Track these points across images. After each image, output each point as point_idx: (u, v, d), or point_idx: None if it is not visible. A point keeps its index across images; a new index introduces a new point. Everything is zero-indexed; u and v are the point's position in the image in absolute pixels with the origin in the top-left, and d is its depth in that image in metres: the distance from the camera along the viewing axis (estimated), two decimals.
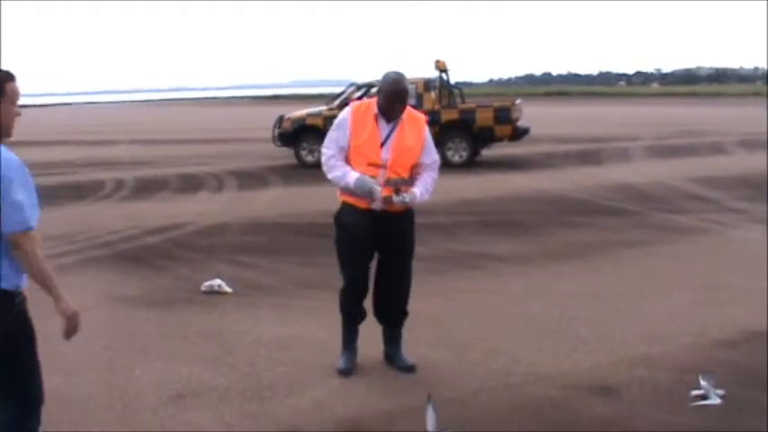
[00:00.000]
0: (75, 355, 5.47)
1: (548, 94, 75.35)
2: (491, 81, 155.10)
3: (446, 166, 16.83)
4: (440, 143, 17.23)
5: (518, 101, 18.83)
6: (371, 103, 4.88)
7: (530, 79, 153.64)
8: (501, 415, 4.34)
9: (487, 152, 18.61)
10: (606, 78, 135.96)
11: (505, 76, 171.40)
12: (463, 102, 18.62)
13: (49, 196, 13.84)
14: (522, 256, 8.48)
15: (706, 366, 4.86)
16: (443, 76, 18.18)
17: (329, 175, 4.87)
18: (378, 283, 5.05)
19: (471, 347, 5.44)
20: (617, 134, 25.73)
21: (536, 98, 61.51)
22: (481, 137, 17.77)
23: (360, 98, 14.06)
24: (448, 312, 6.36)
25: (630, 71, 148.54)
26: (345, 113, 4.90)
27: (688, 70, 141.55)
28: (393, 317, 5.11)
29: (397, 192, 4.71)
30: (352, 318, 5.12)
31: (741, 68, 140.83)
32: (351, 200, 4.85)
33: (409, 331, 5.26)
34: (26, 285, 3.25)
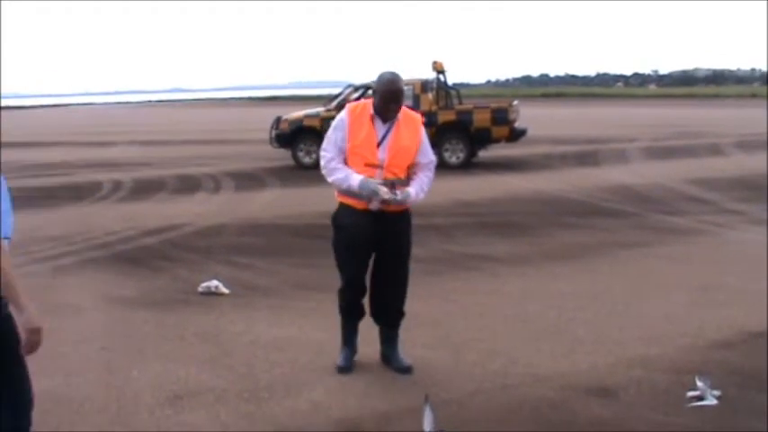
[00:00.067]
0: (73, 355, 5.48)
1: (545, 96, 75.37)
2: (488, 82, 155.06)
3: (443, 167, 16.83)
4: (437, 144, 17.22)
5: (515, 102, 18.85)
6: (367, 104, 4.89)
7: (527, 80, 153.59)
8: (498, 416, 4.34)
9: (484, 153, 18.63)
10: (604, 80, 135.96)
11: (503, 78, 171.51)
12: (460, 103, 18.64)
13: (46, 197, 13.87)
14: (520, 257, 8.49)
15: (703, 367, 4.87)
16: (441, 77, 18.20)
17: (330, 178, 4.87)
18: (375, 284, 5.06)
19: (468, 348, 5.44)
20: (614, 135, 25.75)
21: (533, 99, 61.59)
22: (478, 138, 17.78)
23: (357, 99, 14.06)
24: (445, 313, 6.36)
25: (628, 72, 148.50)
26: (342, 115, 4.91)
27: (685, 72, 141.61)
28: (390, 317, 5.11)
29: (393, 188, 4.72)
30: (350, 316, 5.14)
31: (738, 70, 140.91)
32: (348, 201, 4.86)
33: (406, 332, 5.26)
34: None
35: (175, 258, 8.69)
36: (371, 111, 4.82)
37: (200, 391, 4.76)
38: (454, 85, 19.49)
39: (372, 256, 4.97)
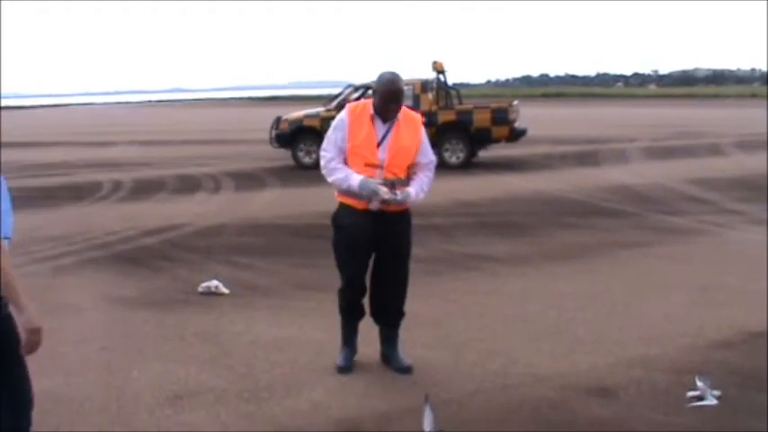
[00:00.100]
0: (73, 355, 5.48)
1: (545, 96, 75.37)
2: (488, 82, 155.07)
3: (443, 167, 16.82)
4: (437, 144, 17.23)
5: (515, 102, 18.84)
6: (367, 104, 4.89)
7: (527, 80, 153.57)
8: (498, 416, 4.34)
9: (484, 153, 18.63)
10: (604, 80, 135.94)
11: (503, 78, 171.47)
12: (460, 103, 18.64)
13: (46, 197, 13.87)
14: (519, 257, 8.49)
15: (703, 367, 4.87)
16: (441, 77, 18.20)
17: (330, 178, 4.87)
18: (375, 284, 5.06)
19: (468, 348, 5.44)
20: (614, 135, 25.76)
21: (533, 99, 61.60)
22: (478, 138, 17.78)
23: (357, 99, 14.06)
24: (445, 313, 6.36)
25: (628, 72, 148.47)
26: (342, 115, 4.91)
27: (685, 72, 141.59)
28: (390, 317, 5.11)
29: (393, 187, 4.72)
30: (351, 316, 5.14)
31: (738, 70, 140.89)
32: (348, 201, 4.86)
33: (406, 332, 5.26)
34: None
35: (175, 258, 8.69)
36: (371, 111, 4.82)
37: (200, 391, 4.76)
38: (454, 85, 19.50)
39: (372, 256, 4.97)
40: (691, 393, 4.50)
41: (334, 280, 5.18)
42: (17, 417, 3.22)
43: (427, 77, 18.07)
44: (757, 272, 7.36)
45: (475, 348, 5.44)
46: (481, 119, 17.63)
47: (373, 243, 4.88)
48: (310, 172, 15.36)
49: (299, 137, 18.10)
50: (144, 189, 14.90)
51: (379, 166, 4.76)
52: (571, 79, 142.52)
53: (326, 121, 14.01)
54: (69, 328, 6.12)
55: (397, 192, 4.72)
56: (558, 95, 76.33)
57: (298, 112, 19.14)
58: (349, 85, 19.03)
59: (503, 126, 17.63)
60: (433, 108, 17.60)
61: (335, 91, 20.76)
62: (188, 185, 15.38)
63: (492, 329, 5.91)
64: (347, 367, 5.07)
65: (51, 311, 6.63)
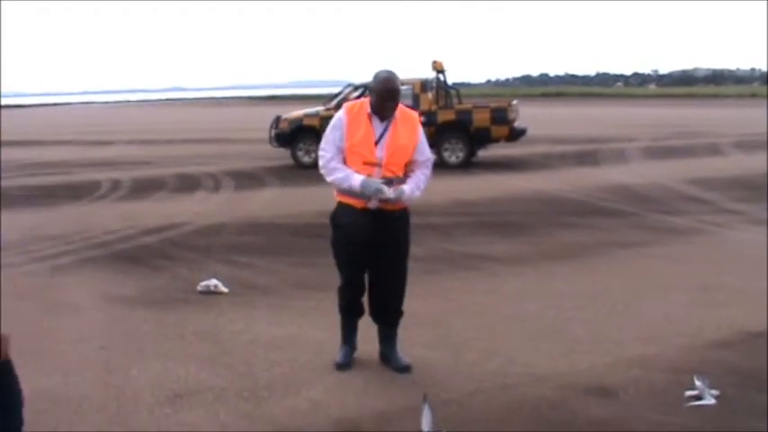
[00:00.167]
0: (72, 354, 5.48)
1: (545, 95, 75.40)
2: (488, 82, 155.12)
3: (443, 166, 16.89)
4: (436, 144, 17.25)
5: (515, 101, 18.85)
6: (364, 103, 4.91)
7: (527, 80, 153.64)
8: (497, 416, 4.34)
9: (484, 153, 18.63)
10: (603, 79, 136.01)
11: (503, 77, 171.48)
12: (460, 102, 18.64)
13: (45, 196, 13.87)
14: (519, 256, 8.49)
15: (701, 367, 4.87)
16: (440, 76, 18.19)
17: (329, 178, 4.87)
18: (373, 283, 5.06)
19: (467, 348, 5.44)
20: (614, 135, 25.76)
21: (533, 99, 61.63)
22: (478, 138, 17.78)
23: (357, 98, 14.06)
24: (444, 313, 6.36)
25: (628, 72, 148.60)
26: (340, 114, 4.92)
27: (685, 71, 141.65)
28: (389, 316, 5.12)
29: (390, 185, 4.73)
30: (350, 315, 5.16)
31: (738, 70, 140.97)
32: (347, 200, 4.87)
33: (405, 331, 5.27)
34: None
35: (175, 257, 8.69)
36: (369, 109, 4.83)
37: (200, 390, 4.77)
38: (454, 84, 19.49)
39: (371, 254, 4.97)
40: (689, 393, 4.50)
41: (334, 279, 5.18)
42: (7, 419, 3.22)
43: (427, 77, 18.06)
44: (756, 271, 7.37)
45: (474, 348, 5.44)
46: (481, 118, 17.63)
47: (372, 242, 4.88)
48: (310, 171, 15.36)
49: (299, 136, 18.09)
50: (143, 188, 14.90)
51: (378, 165, 4.77)
52: (571, 79, 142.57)
53: (326, 121, 13.97)
54: (68, 328, 6.12)
55: (392, 190, 4.72)
56: (558, 95, 76.36)
57: (297, 112, 19.14)
58: (349, 85, 19.03)
59: (502, 126, 17.63)
60: (433, 107, 17.61)
61: (335, 90, 20.76)
62: (188, 184, 15.38)
63: (491, 329, 5.91)
64: (346, 364, 5.08)
65: (50, 310, 6.64)
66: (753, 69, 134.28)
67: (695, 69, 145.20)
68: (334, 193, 4.96)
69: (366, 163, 4.77)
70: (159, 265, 8.30)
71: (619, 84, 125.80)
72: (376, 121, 4.82)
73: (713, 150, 20.56)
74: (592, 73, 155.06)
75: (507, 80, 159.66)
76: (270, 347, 5.52)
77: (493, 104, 18.41)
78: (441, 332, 5.83)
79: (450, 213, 11.40)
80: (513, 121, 17.87)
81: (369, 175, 4.74)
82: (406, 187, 4.81)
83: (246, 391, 4.72)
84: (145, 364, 5.24)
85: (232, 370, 5.09)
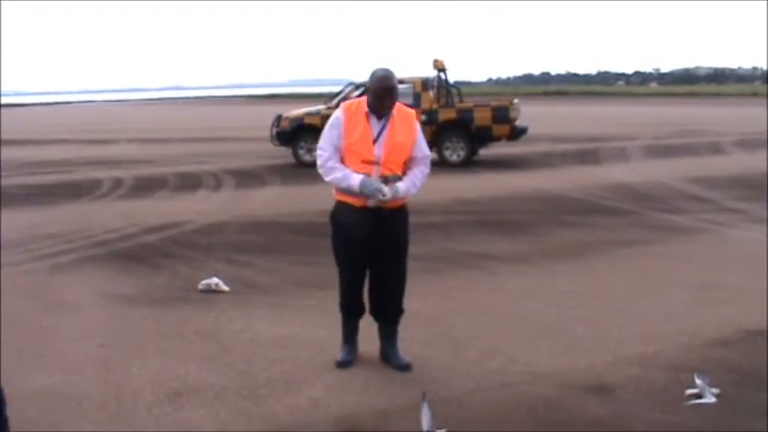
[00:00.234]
0: (72, 353, 5.48)
1: (546, 94, 75.40)
2: (489, 80, 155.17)
3: (444, 165, 16.91)
4: (438, 143, 17.27)
5: (516, 100, 18.83)
6: (361, 102, 4.92)
7: (528, 79, 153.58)
8: (497, 414, 4.34)
9: (485, 151, 18.62)
10: (605, 78, 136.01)
11: (504, 76, 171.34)
12: (461, 101, 18.61)
13: (46, 195, 13.88)
14: (519, 255, 8.48)
15: (701, 365, 4.87)
16: (441, 75, 18.18)
17: (327, 178, 4.88)
18: (373, 281, 5.07)
19: (467, 346, 5.44)
20: (615, 134, 25.75)
21: (534, 98, 61.60)
22: (479, 136, 17.77)
23: (359, 97, 14.06)
24: (444, 311, 6.36)
25: (629, 71, 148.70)
26: (337, 113, 4.93)
27: (686, 70, 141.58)
28: (389, 314, 5.12)
29: (387, 184, 4.74)
30: (351, 314, 5.17)
31: (739, 68, 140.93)
32: (346, 198, 4.87)
33: (405, 330, 5.27)
34: None
35: (176, 256, 8.69)
36: (366, 108, 4.84)
37: (200, 388, 4.77)
38: (455, 83, 19.47)
39: (370, 253, 4.97)
40: (689, 391, 4.50)
41: (335, 277, 5.19)
42: None
43: (428, 76, 18.07)
44: (757, 270, 7.36)
45: (474, 346, 5.44)
46: (482, 117, 17.62)
47: (371, 240, 4.88)
48: (311, 170, 15.27)
49: (300, 135, 18.08)
50: (144, 187, 14.90)
51: (376, 163, 4.77)
52: (572, 77, 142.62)
53: (327, 119, 13.98)
54: (68, 326, 6.13)
55: (388, 188, 4.73)
56: (559, 94, 76.33)
57: (298, 110, 19.13)
58: (350, 83, 19.02)
59: (503, 124, 17.62)
60: (434, 106, 17.61)
61: (336, 89, 20.76)
62: (189, 183, 15.38)
63: (491, 327, 5.91)
64: (347, 362, 5.09)
65: (50, 309, 6.65)
66: (754, 68, 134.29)
67: (697, 68, 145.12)
68: (333, 191, 4.96)
69: (364, 161, 4.77)
70: (160, 264, 8.30)
71: (620, 82, 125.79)
72: (373, 119, 4.83)
73: (714, 149, 20.55)
74: (593, 71, 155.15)
75: (508, 79, 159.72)
76: (270, 346, 5.52)
77: (494, 103, 18.39)
78: (441, 331, 5.83)
79: (452, 212, 11.39)
80: (515, 119, 17.86)
81: (367, 174, 4.74)
82: (401, 185, 4.81)
83: (246, 390, 4.72)
84: (145, 362, 5.24)
85: (232, 368, 5.09)
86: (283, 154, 18.73)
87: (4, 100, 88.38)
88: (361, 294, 5.12)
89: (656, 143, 22.53)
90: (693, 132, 26.06)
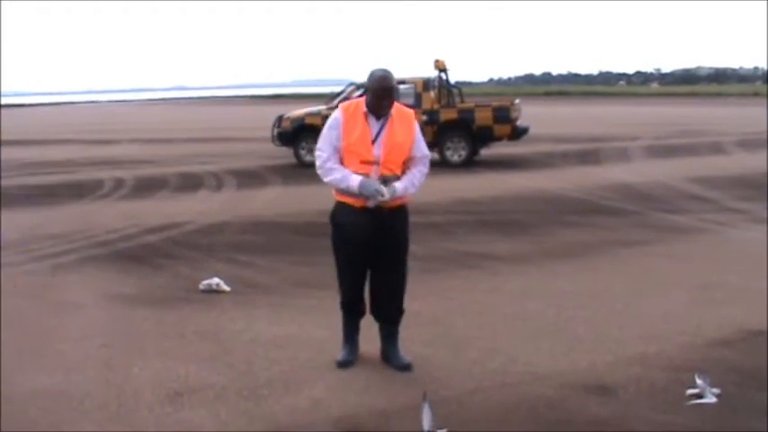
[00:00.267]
0: (73, 352, 5.49)
1: (547, 94, 75.37)
2: (491, 80, 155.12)
3: (445, 165, 16.91)
4: (439, 143, 17.27)
5: (517, 100, 18.83)
6: (360, 102, 4.92)
7: (530, 79, 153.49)
8: (497, 414, 4.34)
9: (486, 152, 18.62)
10: (606, 78, 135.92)
11: (505, 76, 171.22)
12: (462, 101, 18.61)
13: (48, 195, 13.89)
14: (520, 255, 8.48)
15: (702, 365, 4.87)
16: (443, 75, 18.18)
17: (327, 179, 4.89)
18: (373, 281, 5.07)
19: (468, 346, 5.44)
20: (616, 134, 25.74)
21: (536, 98, 61.57)
22: (480, 136, 17.77)
23: (360, 97, 14.06)
24: (445, 311, 6.36)
25: (630, 71, 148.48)
26: (336, 113, 4.94)
27: (688, 70, 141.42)
28: (389, 314, 5.12)
29: (386, 185, 4.74)
30: (351, 314, 5.18)
31: (741, 68, 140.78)
32: (346, 199, 4.88)
33: (406, 330, 5.27)
34: None
35: (177, 256, 8.70)
36: (364, 108, 4.84)
37: (200, 388, 4.77)
38: (456, 83, 19.48)
39: (370, 253, 4.97)
40: (690, 391, 4.50)
41: (335, 278, 5.18)
42: None
43: (429, 76, 18.06)
44: (758, 270, 7.36)
45: (474, 346, 5.44)
46: (483, 117, 17.62)
47: (371, 241, 4.88)
48: (312, 170, 15.22)
49: (301, 135, 18.08)
50: (146, 187, 14.91)
51: (375, 163, 4.78)
52: (573, 77, 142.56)
53: None
54: (69, 326, 6.14)
55: (386, 189, 4.73)
56: (561, 94, 76.31)
57: (300, 111, 19.14)
58: (351, 83, 19.03)
59: (504, 124, 17.62)
60: (435, 106, 17.62)
61: (337, 89, 20.76)
62: (190, 183, 15.39)
63: (492, 328, 5.91)
64: (348, 362, 5.09)
65: (51, 309, 6.66)
66: (756, 68, 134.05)
67: (698, 68, 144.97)
68: (333, 192, 4.97)
69: (363, 162, 4.77)
70: (161, 264, 8.31)
71: (621, 82, 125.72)
72: (372, 119, 4.83)
73: (716, 149, 20.54)
74: (594, 72, 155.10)
75: (510, 79, 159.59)
76: (271, 346, 5.52)
77: (495, 103, 18.39)
78: (442, 331, 5.83)
79: (453, 212, 11.39)
80: (516, 119, 17.86)
81: (366, 174, 4.75)
82: (399, 185, 4.82)
83: (247, 390, 4.72)
84: (146, 362, 5.25)
85: (233, 368, 5.10)
86: (285, 154, 18.74)
87: (6, 100, 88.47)
88: (361, 295, 5.12)
89: (658, 143, 22.52)
90: (695, 132, 26.05)
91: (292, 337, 5.71)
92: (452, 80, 18.70)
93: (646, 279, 7.35)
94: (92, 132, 33.22)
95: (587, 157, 18.99)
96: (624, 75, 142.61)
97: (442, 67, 18.11)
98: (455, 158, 17.53)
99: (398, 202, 4.89)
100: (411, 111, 5.09)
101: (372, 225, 4.83)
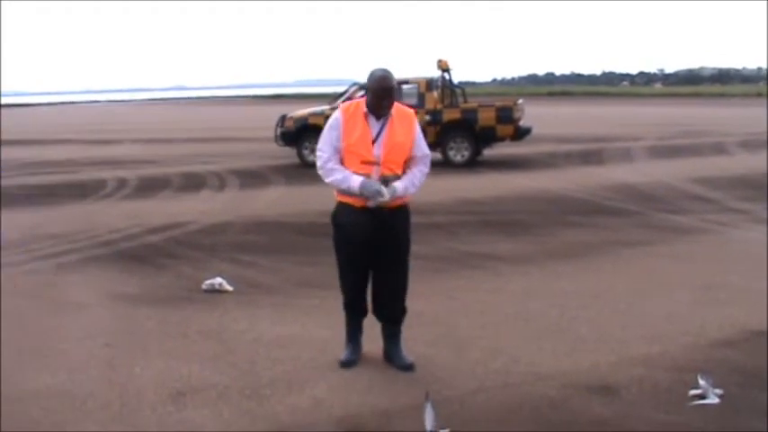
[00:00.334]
0: (76, 352, 5.50)
1: (551, 94, 75.32)
2: (494, 80, 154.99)
3: (448, 165, 16.91)
4: (441, 143, 17.28)
5: (520, 100, 18.82)
6: (360, 103, 4.92)
7: (533, 79, 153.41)
8: (499, 414, 4.34)
9: (489, 152, 18.61)
10: (609, 78, 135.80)
11: (509, 76, 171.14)
12: (465, 101, 18.60)
13: (50, 195, 13.91)
14: (523, 255, 8.48)
15: (705, 366, 4.86)
16: (446, 75, 18.16)
17: (327, 179, 4.89)
18: (375, 281, 5.08)
19: (471, 346, 5.44)
20: (619, 134, 25.72)
21: (539, 98, 61.53)
22: (483, 136, 17.76)
23: (363, 97, 14.05)
24: (447, 311, 6.36)
25: (634, 71, 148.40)
26: (336, 114, 4.94)
27: (691, 71, 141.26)
28: (391, 314, 5.13)
29: (386, 185, 4.74)
30: (354, 314, 5.19)
31: (744, 69, 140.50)
32: (347, 199, 4.88)
33: (408, 330, 5.27)
34: None
35: (179, 256, 8.70)
36: (364, 109, 4.84)
37: (203, 388, 4.77)
38: (459, 83, 19.47)
39: (372, 253, 4.97)
40: (693, 392, 4.49)
41: (337, 278, 5.19)
42: None
43: (432, 76, 18.05)
44: (760, 270, 7.35)
45: (477, 346, 5.44)
46: (486, 117, 17.60)
47: (372, 241, 4.89)
48: (315, 170, 15.28)
49: (304, 135, 18.07)
50: (149, 187, 14.92)
51: (376, 163, 4.78)
52: (577, 78, 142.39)
53: None
54: (72, 325, 6.14)
55: (385, 190, 4.73)
56: (564, 94, 76.29)
57: (303, 110, 19.15)
58: (354, 83, 19.02)
59: (507, 124, 17.60)
60: (438, 106, 17.60)
61: (340, 89, 20.77)
62: (193, 183, 15.40)
63: (494, 328, 5.91)
64: (350, 361, 5.09)
65: (54, 308, 6.66)
66: (759, 69, 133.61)
67: (701, 68, 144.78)
68: (335, 192, 4.97)
69: (364, 162, 4.78)
70: (164, 264, 8.31)
71: (624, 83, 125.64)
72: (372, 119, 4.83)
73: (719, 149, 20.51)
74: (598, 72, 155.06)
75: (513, 79, 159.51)
76: (273, 346, 5.52)
77: (498, 103, 18.37)
78: (444, 331, 5.83)
79: (455, 212, 11.39)
80: (519, 119, 17.85)
81: (367, 174, 4.75)
82: (399, 184, 4.82)
83: (249, 390, 4.72)
84: (149, 361, 5.25)
85: (235, 368, 5.10)
86: (288, 154, 18.75)
87: (6, 100, 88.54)
88: (363, 294, 5.13)
89: (661, 144, 22.50)
90: (697, 133, 26.02)
91: (295, 337, 5.72)
92: (455, 80, 18.69)
93: (648, 279, 7.35)
94: (94, 132, 33.25)
95: (590, 158, 18.98)
96: (627, 75, 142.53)
97: (445, 67, 18.10)
98: (458, 159, 17.52)
99: (399, 202, 4.90)
100: (411, 110, 5.09)
101: (373, 225, 4.83)
